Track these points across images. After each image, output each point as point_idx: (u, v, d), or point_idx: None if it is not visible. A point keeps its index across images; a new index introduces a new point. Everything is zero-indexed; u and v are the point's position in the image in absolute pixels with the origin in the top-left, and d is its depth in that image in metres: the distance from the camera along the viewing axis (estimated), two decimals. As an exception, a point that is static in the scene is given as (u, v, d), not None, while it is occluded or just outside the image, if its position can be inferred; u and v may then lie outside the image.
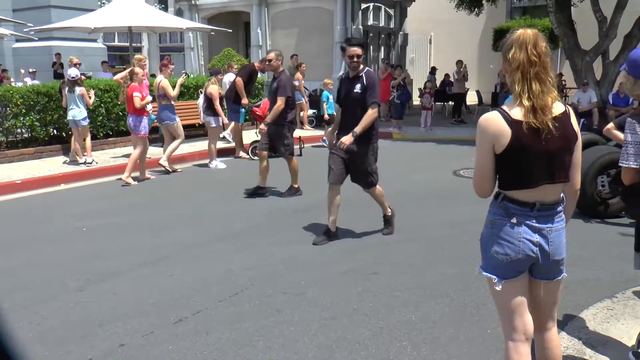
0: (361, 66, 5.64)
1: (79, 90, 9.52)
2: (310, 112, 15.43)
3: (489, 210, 2.59)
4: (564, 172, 2.48)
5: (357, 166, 5.69)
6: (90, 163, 9.61)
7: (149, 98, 8.94)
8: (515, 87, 2.42)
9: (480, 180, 2.53)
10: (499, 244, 2.49)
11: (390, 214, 6.08)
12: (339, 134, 5.67)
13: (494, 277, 2.53)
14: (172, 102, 9.36)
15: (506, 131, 2.38)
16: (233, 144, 11.38)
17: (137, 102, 8.58)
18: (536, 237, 2.46)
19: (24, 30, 15.41)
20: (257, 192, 7.75)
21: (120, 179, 8.73)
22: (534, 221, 2.46)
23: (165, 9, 23.96)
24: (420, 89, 16.34)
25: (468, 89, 18.22)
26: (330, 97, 12.52)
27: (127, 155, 10.41)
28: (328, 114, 12.17)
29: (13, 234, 6.28)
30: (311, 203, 7.24)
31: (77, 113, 9.48)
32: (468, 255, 5.20)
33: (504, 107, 2.45)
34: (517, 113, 2.39)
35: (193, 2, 22.31)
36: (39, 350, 3.62)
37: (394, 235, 6.02)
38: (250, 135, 11.85)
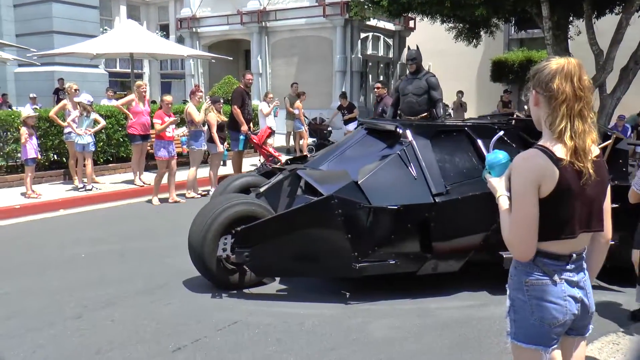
0: None
1: (93, 115, 9.62)
2: (310, 140, 15.48)
3: (515, 272, 2.26)
4: (600, 219, 2.23)
5: None
6: (90, 189, 9.59)
7: (172, 119, 9.19)
8: (556, 122, 2.11)
9: (525, 235, 2.13)
10: (541, 308, 2.17)
11: None
12: None
13: (541, 347, 2.19)
14: (200, 128, 9.44)
15: (554, 171, 2.08)
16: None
17: (157, 128, 9.09)
18: (577, 292, 2.20)
19: (27, 55, 15.55)
20: None
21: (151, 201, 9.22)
22: (571, 275, 2.20)
23: (167, 36, 24.27)
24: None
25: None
26: None
27: (128, 182, 10.49)
28: None
29: (10, 260, 6.23)
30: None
31: (88, 138, 9.53)
32: (468, 285, 5.20)
33: (544, 144, 2.15)
34: (559, 151, 2.10)
35: (194, 29, 22.59)
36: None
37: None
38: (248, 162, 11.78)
